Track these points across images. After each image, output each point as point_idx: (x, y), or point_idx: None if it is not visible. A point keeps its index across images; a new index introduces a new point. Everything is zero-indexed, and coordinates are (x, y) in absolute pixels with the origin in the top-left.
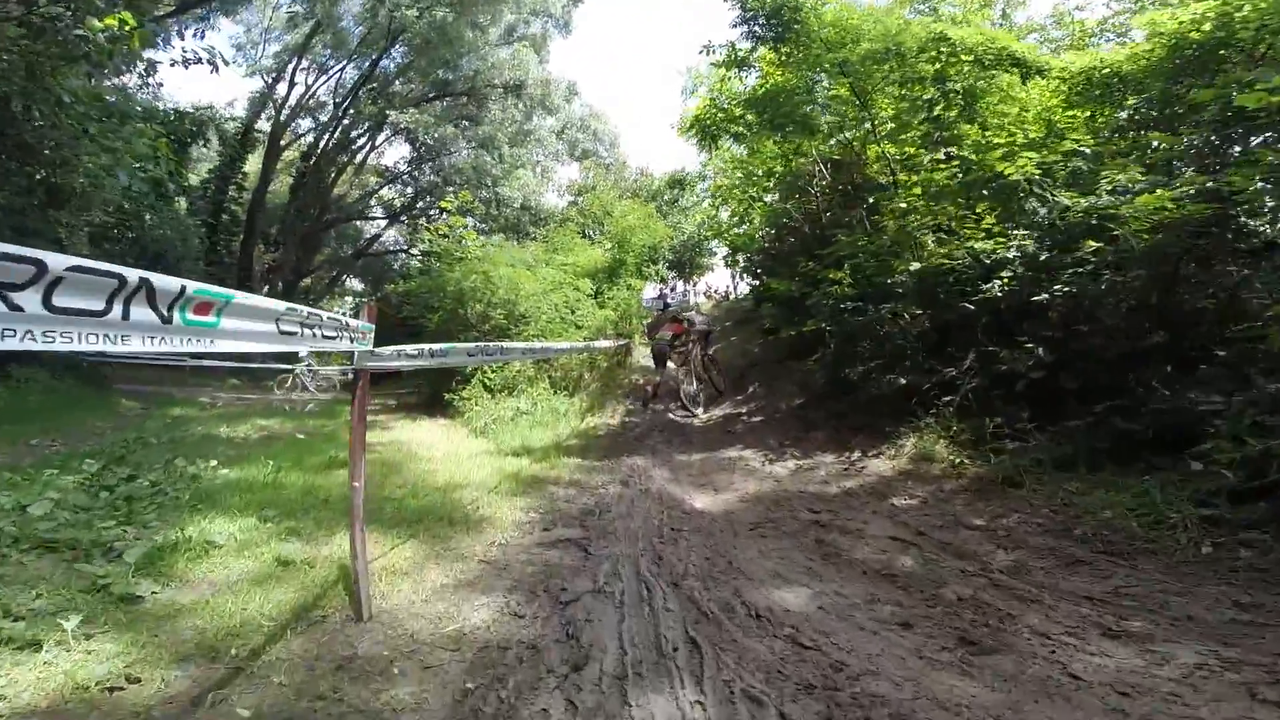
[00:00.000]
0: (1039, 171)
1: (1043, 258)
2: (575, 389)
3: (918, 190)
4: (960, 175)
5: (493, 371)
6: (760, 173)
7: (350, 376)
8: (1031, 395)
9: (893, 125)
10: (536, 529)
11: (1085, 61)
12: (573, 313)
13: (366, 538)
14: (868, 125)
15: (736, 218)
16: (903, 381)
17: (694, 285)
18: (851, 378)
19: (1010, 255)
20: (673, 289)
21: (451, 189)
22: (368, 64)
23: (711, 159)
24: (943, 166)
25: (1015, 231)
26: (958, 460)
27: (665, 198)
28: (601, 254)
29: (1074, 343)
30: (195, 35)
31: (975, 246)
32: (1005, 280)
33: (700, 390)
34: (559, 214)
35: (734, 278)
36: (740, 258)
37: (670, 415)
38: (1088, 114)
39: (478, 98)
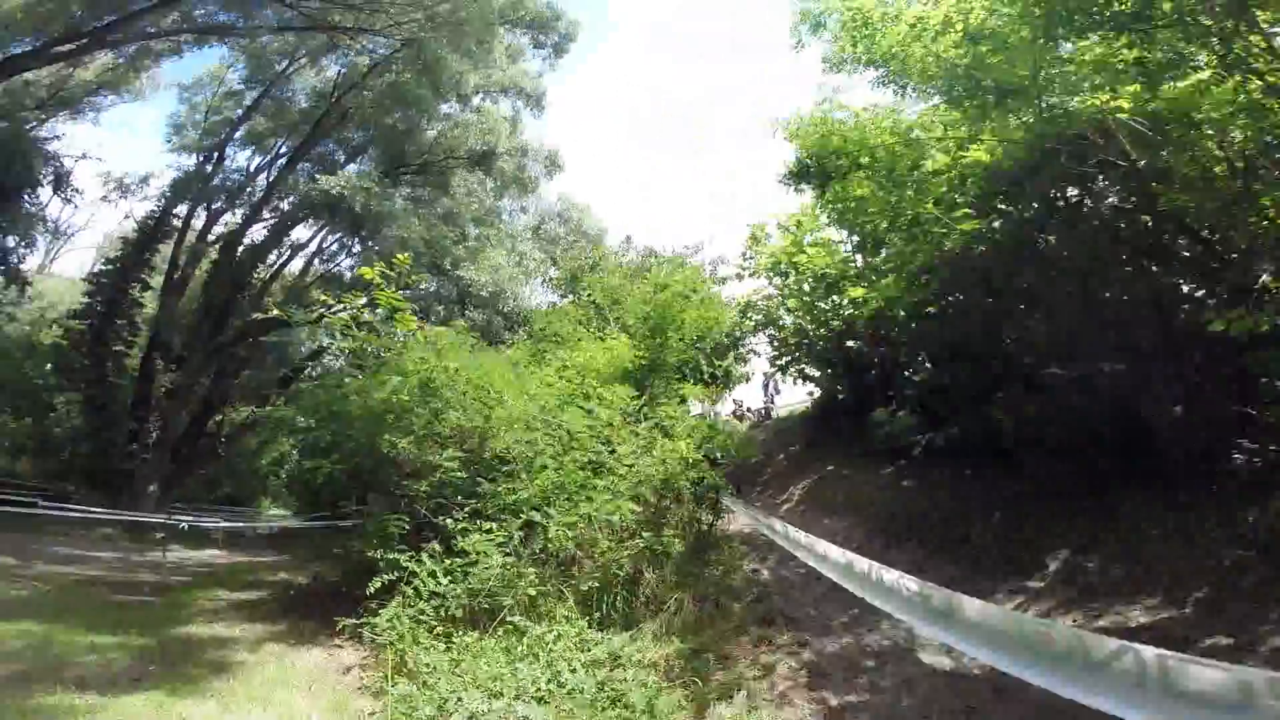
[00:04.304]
0: None
1: None
2: (627, 607)
3: None
4: None
5: (444, 572)
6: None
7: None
8: None
9: None
10: None
11: None
12: (610, 450)
13: None
14: None
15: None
16: None
17: (717, 404)
18: None
19: None
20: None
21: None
22: (308, 130)
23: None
24: None
25: None
26: None
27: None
28: (627, 348)
29: None
30: None
31: None
32: None
33: None
34: (545, 313)
35: (771, 388)
36: (797, 355)
37: None
38: None
39: (436, 174)
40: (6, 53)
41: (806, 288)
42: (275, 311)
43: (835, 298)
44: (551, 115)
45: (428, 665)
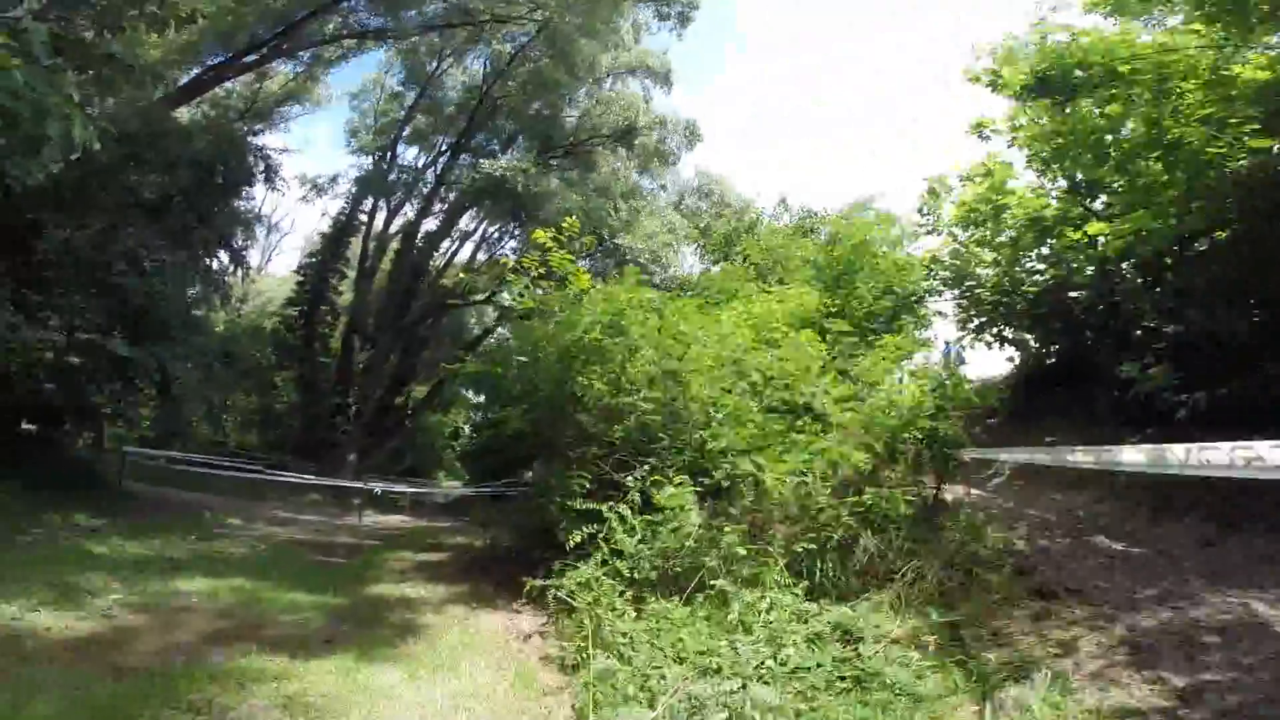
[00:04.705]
0: None
1: None
2: (841, 575)
3: None
4: None
5: (639, 537)
6: None
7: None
8: None
9: None
10: None
11: None
12: (806, 400)
13: None
14: None
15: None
16: None
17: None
18: None
19: None
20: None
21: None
22: (464, 123)
23: None
24: None
25: None
26: None
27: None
28: (811, 297)
29: None
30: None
31: None
32: None
33: None
34: (706, 276)
35: (954, 357)
36: (992, 317)
37: None
38: None
39: (583, 154)
40: (204, 64)
41: (1007, 237)
42: (462, 276)
43: (1047, 246)
44: (690, 92)
45: (624, 635)
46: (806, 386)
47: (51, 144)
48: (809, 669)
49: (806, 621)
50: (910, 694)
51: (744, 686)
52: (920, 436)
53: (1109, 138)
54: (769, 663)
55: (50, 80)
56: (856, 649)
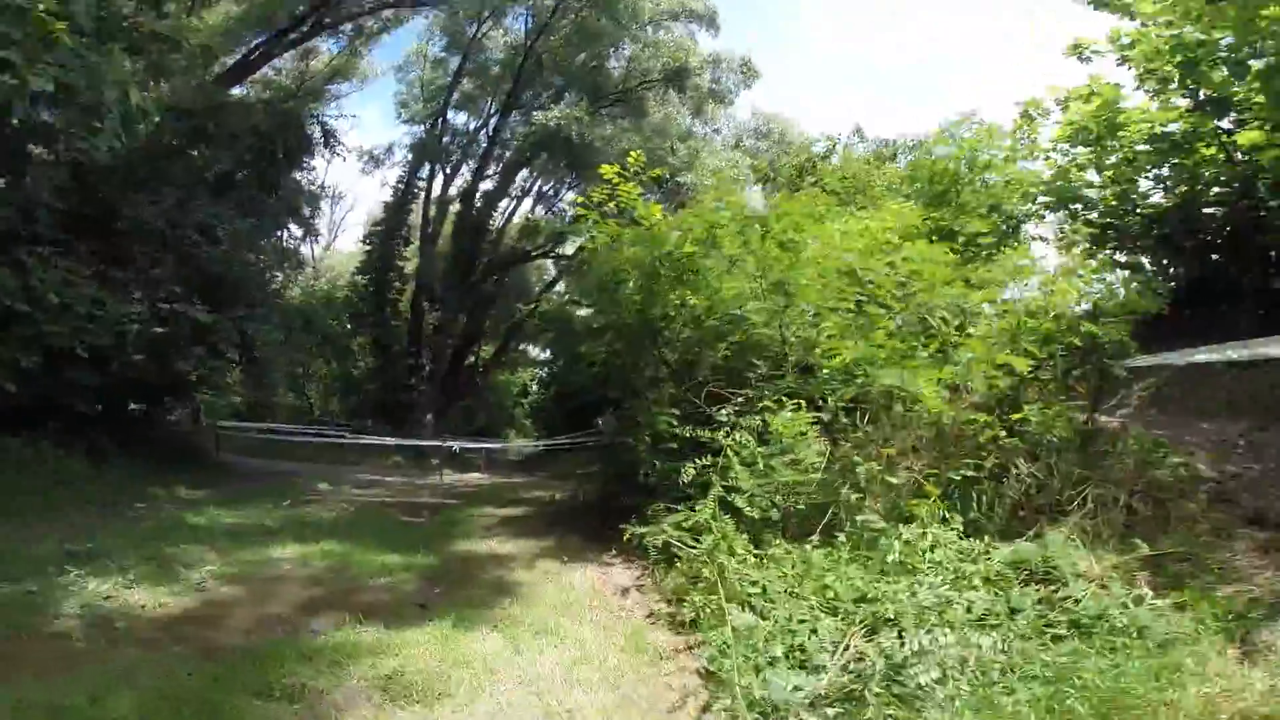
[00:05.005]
0: None
1: None
2: (997, 507)
3: None
4: None
5: (757, 477)
6: None
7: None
8: None
9: None
10: None
11: None
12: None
13: None
14: None
15: None
16: None
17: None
18: None
19: None
20: None
21: None
22: (511, 83)
23: None
24: None
25: None
26: None
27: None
28: (916, 213)
29: None
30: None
31: None
32: None
33: None
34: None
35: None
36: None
37: None
38: None
39: (635, 101)
40: (248, 45)
41: (1119, 158)
42: (529, 219)
43: (1168, 165)
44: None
45: (754, 584)
46: (942, 289)
47: (112, 113)
48: (1002, 615)
49: (976, 561)
50: (1153, 638)
51: (963, 634)
52: (1078, 344)
53: (1269, 42)
54: (955, 609)
55: (98, 49)
56: (1055, 590)
